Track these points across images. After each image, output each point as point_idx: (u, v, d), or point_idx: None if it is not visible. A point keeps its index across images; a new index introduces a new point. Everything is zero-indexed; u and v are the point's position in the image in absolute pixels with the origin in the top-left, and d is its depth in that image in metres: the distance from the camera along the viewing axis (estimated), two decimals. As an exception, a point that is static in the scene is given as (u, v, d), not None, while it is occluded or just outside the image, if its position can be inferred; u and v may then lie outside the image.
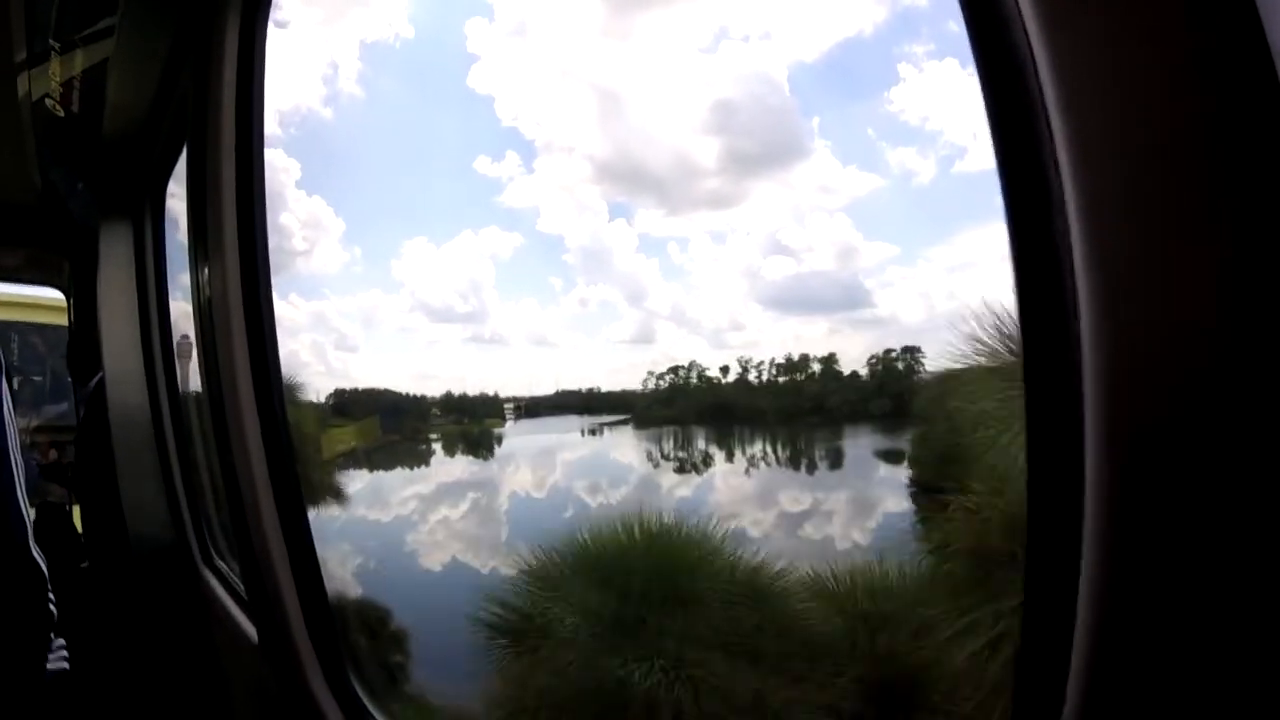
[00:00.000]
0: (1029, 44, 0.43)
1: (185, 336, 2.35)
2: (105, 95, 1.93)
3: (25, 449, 1.34)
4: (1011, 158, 0.46)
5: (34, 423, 3.99)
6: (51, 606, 1.33)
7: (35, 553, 1.29)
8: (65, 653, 1.41)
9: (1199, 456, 0.39)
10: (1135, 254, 0.41)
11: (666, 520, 2.58)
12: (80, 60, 1.82)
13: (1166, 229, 0.40)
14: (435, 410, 3.85)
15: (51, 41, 1.72)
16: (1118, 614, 0.43)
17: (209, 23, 1.35)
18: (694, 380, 3.27)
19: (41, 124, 2.01)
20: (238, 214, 1.31)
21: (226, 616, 1.83)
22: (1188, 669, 0.41)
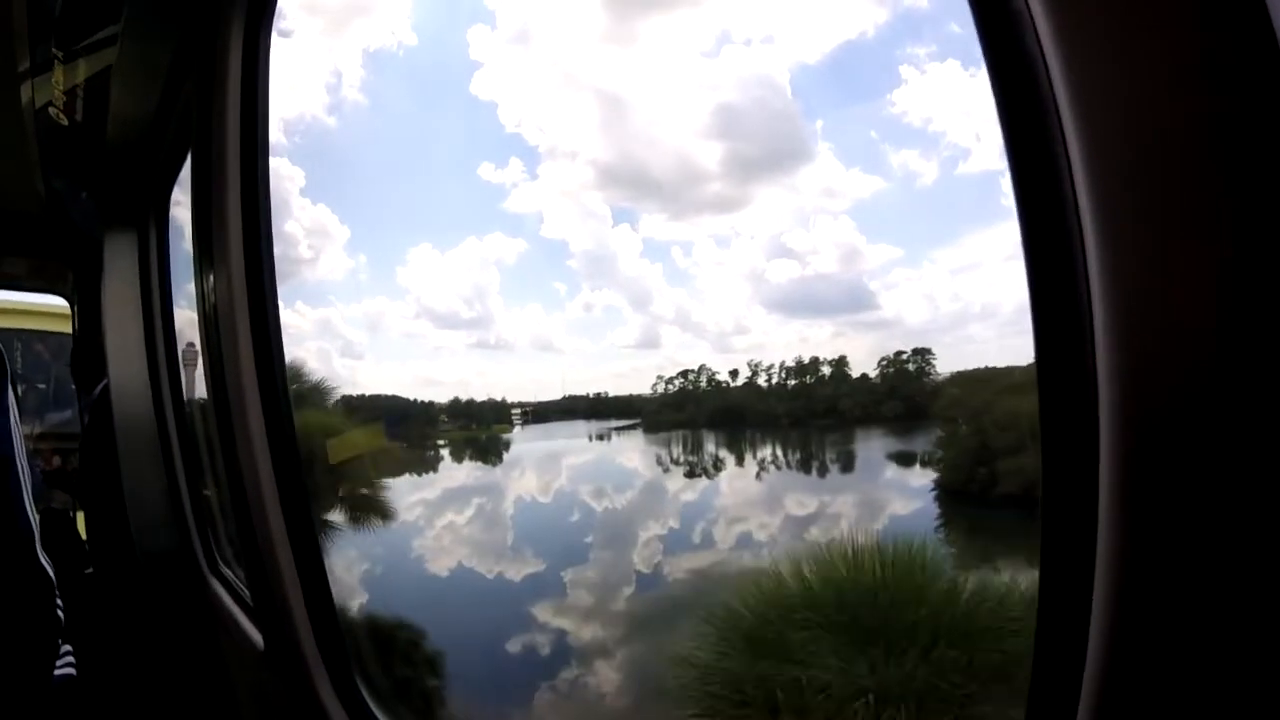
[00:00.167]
0: (1040, 44, 0.43)
1: (191, 344, 2.35)
2: (108, 104, 1.94)
3: (29, 456, 1.34)
4: (1023, 157, 0.46)
5: (37, 430, 4.00)
6: (59, 613, 1.33)
7: (42, 558, 1.29)
8: (72, 659, 1.41)
9: (1216, 454, 0.39)
10: (1148, 253, 0.41)
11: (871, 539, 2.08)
12: (83, 69, 1.82)
13: (1179, 228, 0.40)
14: (443, 416, 3.85)
15: (54, 50, 1.72)
16: (1131, 612, 0.43)
17: (212, 32, 1.35)
18: (704, 384, 3.27)
19: (45, 133, 2.02)
20: (243, 222, 1.31)
21: (233, 624, 1.83)
22: (1200, 666, 0.41)
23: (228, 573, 2.20)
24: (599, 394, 3.58)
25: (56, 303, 3.72)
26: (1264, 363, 0.38)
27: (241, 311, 1.31)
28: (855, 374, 2.82)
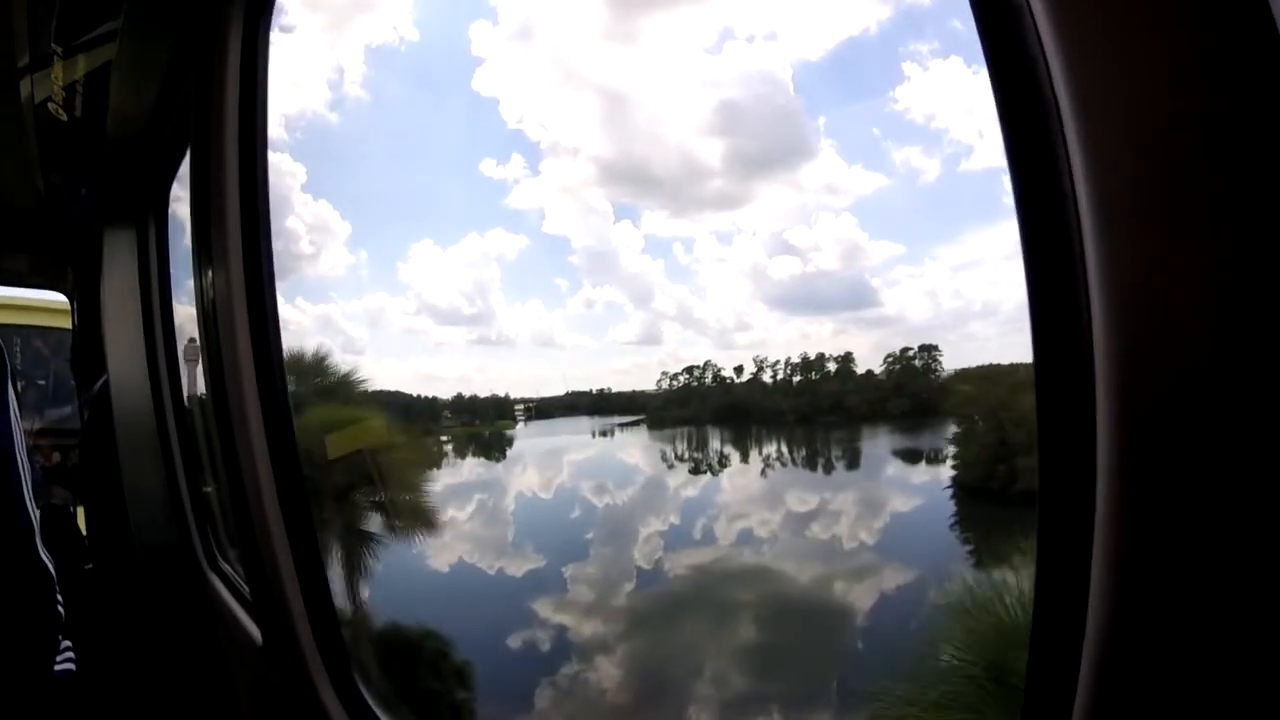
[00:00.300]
0: (1040, 43, 0.42)
1: (193, 340, 2.35)
2: (108, 100, 1.93)
3: (29, 451, 1.34)
4: (1023, 156, 0.46)
5: (37, 425, 4.00)
6: (59, 609, 1.33)
7: (43, 554, 1.29)
8: (72, 654, 1.42)
9: (1213, 453, 0.39)
10: (1147, 252, 0.41)
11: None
12: (83, 65, 1.82)
13: (1178, 227, 0.40)
14: (446, 412, 3.83)
15: (54, 46, 1.72)
16: (1127, 610, 0.43)
17: (211, 27, 1.35)
18: (709, 380, 3.24)
19: (44, 128, 2.01)
20: (241, 218, 1.31)
21: (231, 619, 1.84)
22: (1195, 661, 0.41)
23: (227, 568, 2.20)
24: (602, 390, 3.56)
25: (56, 298, 3.72)
26: (1261, 362, 0.38)
27: (240, 307, 1.31)
28: (860, 370, 2.80)
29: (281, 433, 1.33)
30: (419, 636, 2.74)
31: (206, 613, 2.13)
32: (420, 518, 3.28)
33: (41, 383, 4.42)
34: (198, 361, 2.35)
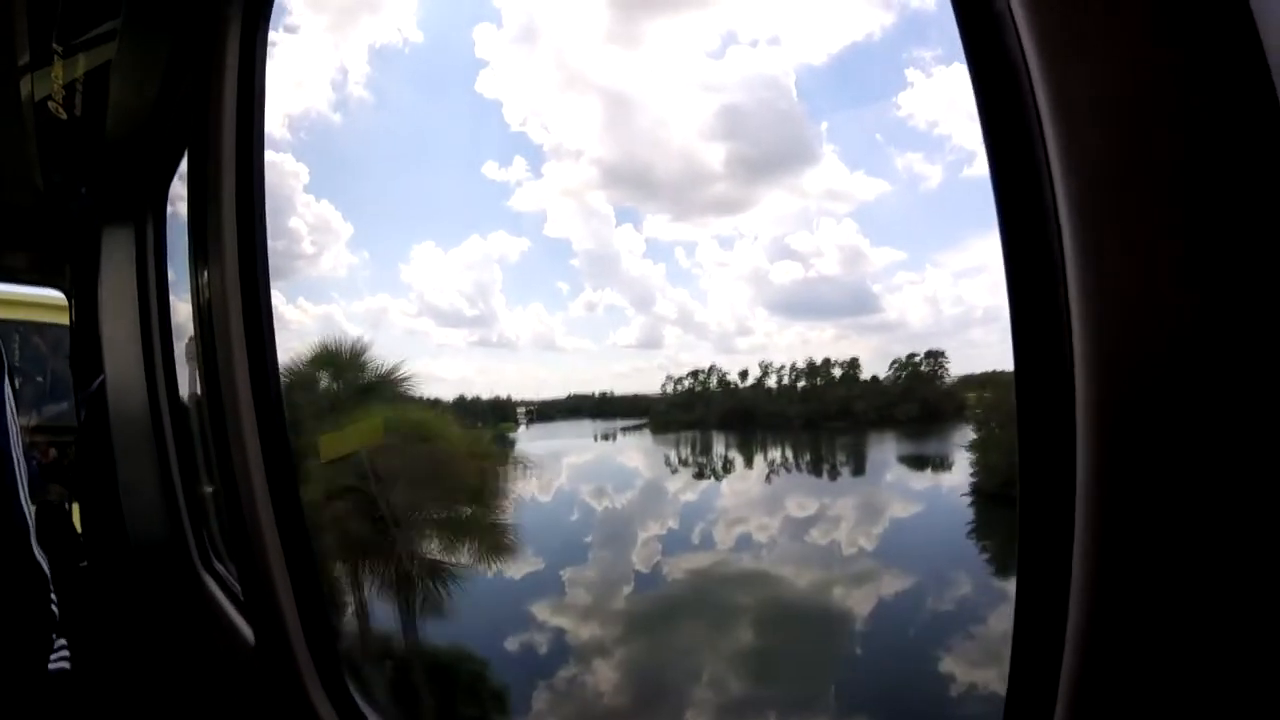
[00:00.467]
0: (1021, 47, 0.43)
1: (194, 338, 2.35)
2: (107, 99, 1.94)
3: (25, 448, 1.34)
4: (1003, 158, 0.46)
5: (34, 422, 3.99)
6: (53, 608, 1.32)
7: (37, 554, 1.28)
8: (67, 653, 1.41)
9: (1191, 450, 0.40)
10: (1125, 253, 0.41)
11: None
12: (82, 64, 1.82)
13: (1155, 229, 0.40)
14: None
15: (54, 45, 1.72)
16: (1107, 606, 0.43)
17: (210, 28, 1.35)
18: (714, 384, 3.21)
19: (44, 127, 2.02)
20: (238, 218, 1.31)
21: (224, 618, 1.83)
22: (1174, 655, 0.41)
23: (220, 568, 2.20)
24: (604, 393, 3.54)
25: (55, 295, 3.72)
26: (1238, 360, 0.38)
27: (235, 307, 1.31)
28: (865, 376, 2.78)
29: (275, 432, 1.33)
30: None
31: (200, 612, 2.13)
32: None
33: (39, 379, 4.42)
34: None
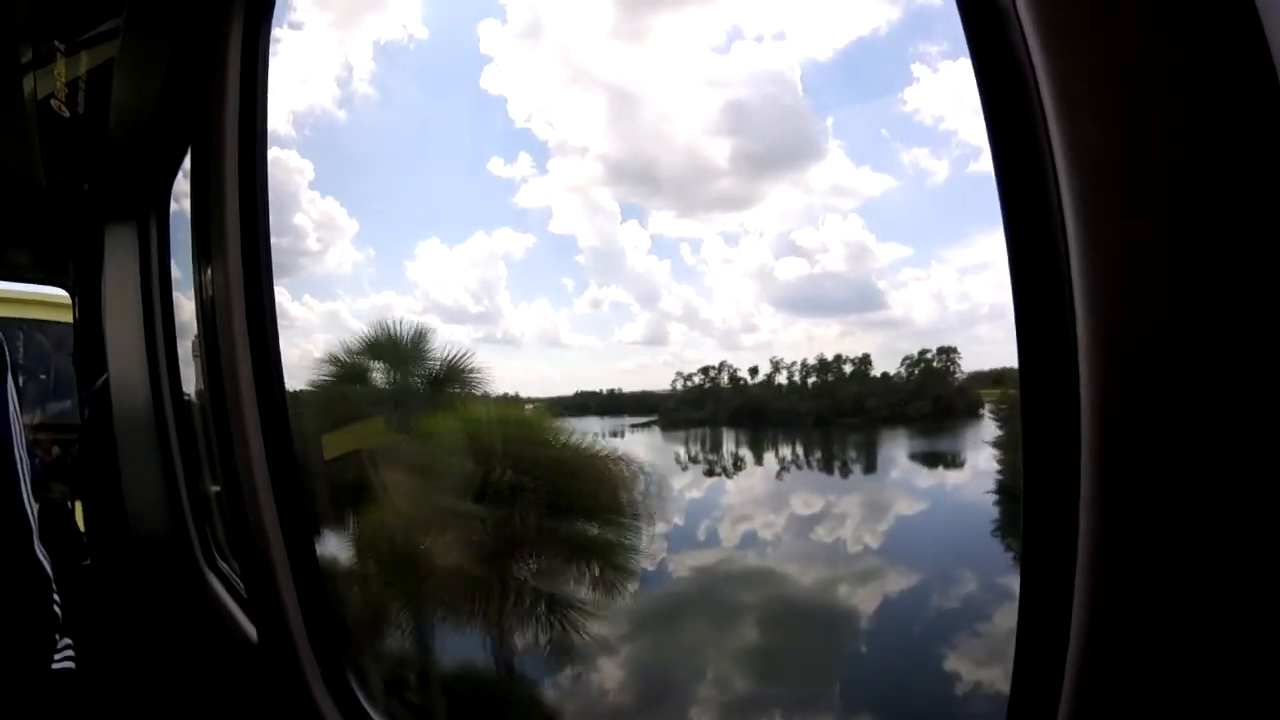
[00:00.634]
0: (1025, 42, 0.43)
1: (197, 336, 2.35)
2: (110, 97, 1.94)
3: (28, 446, 1.34)
4: (1007, 155, 0.46)
5: (37, 420, 4.00)
6: (56, 608, 1.32)
7: (40, 554, 1.28)
8: (71, 652, 1.41)
9: (1195, 451, 0.39)
10: (1130, 252, 0.41)
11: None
12: (85, 61, 1.83)
13: (1161, 228, 0.40)
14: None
15: (56, 43, 1.73)
16: (1111, 607, 0.43)
17: (213, 25, 1.35)
18: (725, 381, 3.20)
19: (47, 125, 2.02)
20: (240, 215, 1.31)
21: (227, 616, 1.84)
22: (1179, 657, 0.41)
23: (224, 565, 2.20)
24: (612, 390, 3.53)
25: (58, 293, 3.73)
26: (1244, 357, 0.38)
27: (238, 305, 1.31)
28: (875, 373, 2.79)
29: (278, 430, 1.33)
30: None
31: (203, 610, 2.13)
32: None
33: (43, 377, 4.43)
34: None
